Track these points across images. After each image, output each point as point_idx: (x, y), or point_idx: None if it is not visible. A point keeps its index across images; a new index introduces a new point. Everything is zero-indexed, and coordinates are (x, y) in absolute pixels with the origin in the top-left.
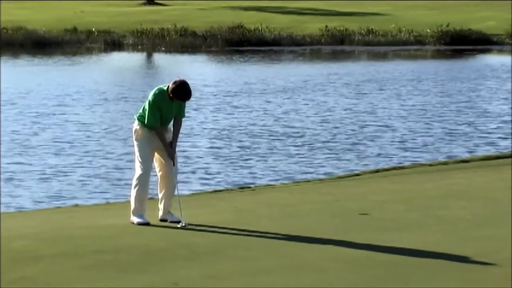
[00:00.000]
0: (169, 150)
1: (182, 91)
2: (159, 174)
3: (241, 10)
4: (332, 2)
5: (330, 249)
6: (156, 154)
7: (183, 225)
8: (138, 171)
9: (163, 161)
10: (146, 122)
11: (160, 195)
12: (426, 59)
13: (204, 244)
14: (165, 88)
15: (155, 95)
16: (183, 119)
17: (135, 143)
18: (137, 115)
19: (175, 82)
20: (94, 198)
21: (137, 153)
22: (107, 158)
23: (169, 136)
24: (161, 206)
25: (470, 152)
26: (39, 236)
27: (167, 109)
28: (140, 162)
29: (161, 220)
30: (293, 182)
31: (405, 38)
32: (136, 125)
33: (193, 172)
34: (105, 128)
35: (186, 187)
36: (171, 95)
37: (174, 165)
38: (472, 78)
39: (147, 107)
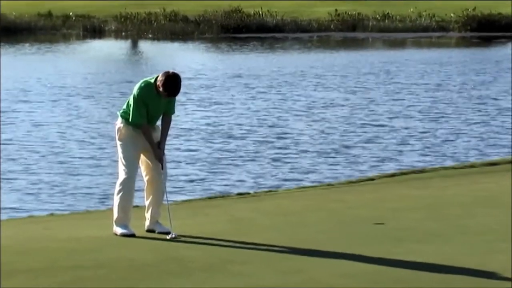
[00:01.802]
0: (156, 151)
1: (170, 84)
2: (145, 178)
3: None
4: None
5: (339, 264)
6: (142, 156)
7: (173, 236)
8: (122, 175)
9: (150, 164)
10: (130, 119)
11: (147, 203)
12: (449, 48)
13: (196, 258)
14: (152, 80)
15: (140, 88)
16: (172, 116)
17: (118, 143)
18: (121, 111)
19: (166, 73)
20: (72, 206)
21: (120, 155)
22: (85, 161)
23: (156, 135)
24: (148, 215)
25: (497, 153)
26: (11, 249)
27: (154, 105)
28: (124, 165)
29: (148, 230)
30: (298, 187)
31: (425, 23)
32: (119, 123)
33: (184, 177)
34: (83, 127)
35: (177, 193)
36: (158, 88)
37: (162, 168)
38: (496, 70)
39: (131, 102)
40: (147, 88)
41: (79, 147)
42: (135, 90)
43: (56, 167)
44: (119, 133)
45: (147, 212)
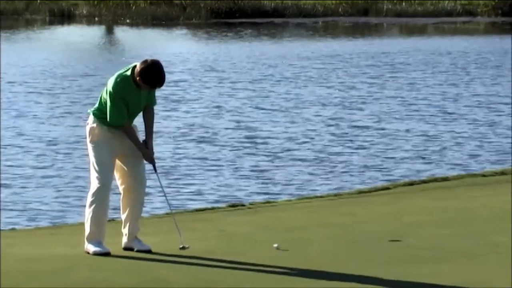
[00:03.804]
0: (145, 151)
1: (154, 73)
2: (121, 188)
3: None
4: None
5: (349, 287)
6: (117, 162)
7: (186, 247)
8: (94, 184)
9: (126, 170)
10: (108, 120)
11: (123, 216)
12: (476, 35)
13: (182, 281)
14: (129, 73)
15: (116, 84)
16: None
17: (91, 146)
18: (93, 109)
19: (145, 62)
20: (36, 219)
21: (93, 160)
22: (52, 168)
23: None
24: (125, 231)
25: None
26: None
27: (134, 100)
28: (98, 172)
29: (126, 248)
30: (300, 198)
31: (449, 7)
32: (91, 122)
33: (167, 186)
34: (49, 127)
35: (160, 204)
36: (138, 80)
37: (155, 171)
38: None
39: (107, 99)
40: (124, 83)
41: (40, 151)
42: (110, 86)
43: (11, 177)
44: (91, 135)
45: (124, 227)
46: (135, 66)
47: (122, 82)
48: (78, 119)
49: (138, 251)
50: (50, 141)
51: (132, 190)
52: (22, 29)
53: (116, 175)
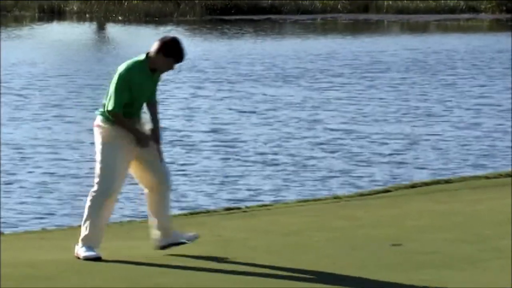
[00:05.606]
0: (141, 135)
1: (177, 45)
2: (145, 189)
3: None
4: None
5: None
6: (134, 163)
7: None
8: (96, 187)
9: (145, 168)
10: (110, 107)
11: (153, 215)
12: (480, 32)
13: (178, 287)
14: (142, 57)
15: (128, 68)
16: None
17: (102, 144)
18: (100, 110)
19: (163, 38)
20: (25, 223)
21: (99, 158)
22: (44, 167)
23: (143, 128)
24: (157, 230)
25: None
26: None
27: (142, 86)
28: (100, 176)
29: (164, 247)
30: (298, 201)
31: (452, 4)
32: (99, 123)
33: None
34: (44, 128)
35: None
36: (160, 56)
37: (161, 160)
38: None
39: (112, 85)
40: (138, 68)
41: (54, 150)
42: (121, 70)
43: None
44: (103, 134)
45: (155, 228)
46: (149, 52)
47: (134, 68)
48: (47, 121)
49: (188, 240)
50: (14, 144)
51: (159, 185)
52: (11, 27)
53: (137, 179)
